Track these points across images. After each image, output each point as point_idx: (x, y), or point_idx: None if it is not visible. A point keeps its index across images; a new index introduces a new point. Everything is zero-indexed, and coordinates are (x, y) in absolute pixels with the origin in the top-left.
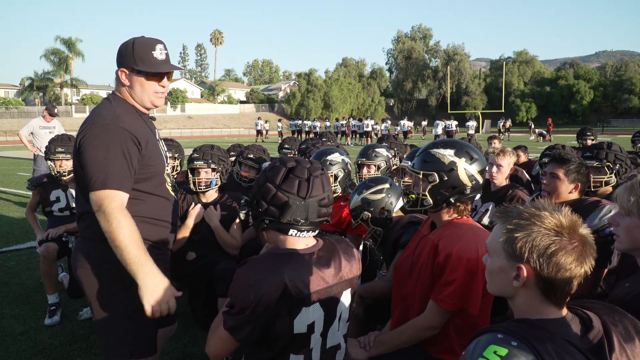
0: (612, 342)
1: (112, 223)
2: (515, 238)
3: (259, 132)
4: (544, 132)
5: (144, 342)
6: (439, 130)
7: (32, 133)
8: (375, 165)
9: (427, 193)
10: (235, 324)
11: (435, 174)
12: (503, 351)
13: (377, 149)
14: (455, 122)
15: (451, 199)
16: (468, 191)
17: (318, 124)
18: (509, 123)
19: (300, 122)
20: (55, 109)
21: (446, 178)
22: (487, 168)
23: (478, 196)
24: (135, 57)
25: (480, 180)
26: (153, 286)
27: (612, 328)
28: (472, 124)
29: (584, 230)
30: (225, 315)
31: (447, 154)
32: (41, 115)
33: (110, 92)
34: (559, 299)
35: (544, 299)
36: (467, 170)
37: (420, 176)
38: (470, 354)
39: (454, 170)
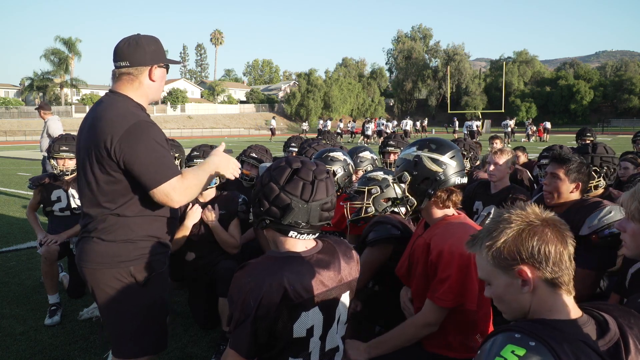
0: (628, 345)
1: (193, 182)
2: (500, 248)
3: (272, 131)
4: (544, 128)
5: (155, 337)
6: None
7: None
8: (362, 171)
9: (407, 193)
10: (239, 339)
11: (406, 172)
12: (521, 351)
13: (360, 154)
14: (477, 123)
15: (429, 190)
16: (442, 177)
17: (341, 124)
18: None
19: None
20: (36, 107)
21: (416, 172)
22: (459, 154)
23: (468, 173)
24: (163, 52)
25: (453, 163)
26: (219, 163)
27: (628, 330)
28: (508, 122)
29: (547, 214)
30: (229, 336)
31: (411, 152)
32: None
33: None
34: (566, 282)
35: (553, 289)
36: (431, 157)
37: (397, 180)
38: (487, 353)
39: (418, 162)
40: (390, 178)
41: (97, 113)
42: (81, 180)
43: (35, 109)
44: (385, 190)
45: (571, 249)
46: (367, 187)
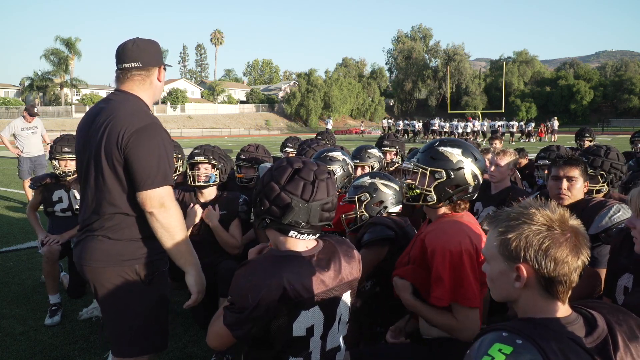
0: (617, 341)
1: (174, 218)
2: (509, 239)
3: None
4: (548, 128)
5: (156, 336)
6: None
7: (14, 134)
8: (369, 167)
9: (432, 189)
10: (234, 321)
11: (443, 172)
12: (508, 349)
13: (369, 150)
14: (500, 123)
15: (454, 197)
16: (470, 190)
17: (416, 123)
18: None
19: (407, 122)
20: (35, 109)
21: (453, 176)
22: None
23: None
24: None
25: (481, 180)
26: (200, 278)
27: (616, 327)
28: (513, 123)
29: (574, 221)
30: (225, 311)
31: (455, 153)
32: (22, 115)
33: (112, 91)
34: (562, 294)
35: (547, 295)
36: (472, 170)
37: (427, 172)
38: (475, 352)
39: (461, 169)
40: (377, 181)
41: (110, 111)
42: (85, 179)
43: (31, 114)
44: (375, 195)
45: (580, 264)
46: (356, 196)
